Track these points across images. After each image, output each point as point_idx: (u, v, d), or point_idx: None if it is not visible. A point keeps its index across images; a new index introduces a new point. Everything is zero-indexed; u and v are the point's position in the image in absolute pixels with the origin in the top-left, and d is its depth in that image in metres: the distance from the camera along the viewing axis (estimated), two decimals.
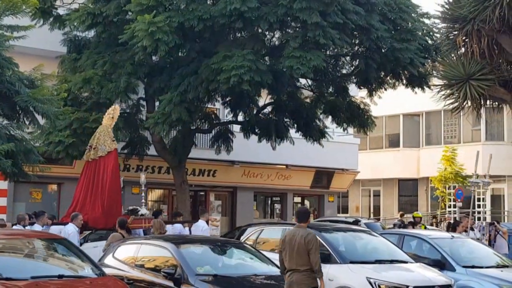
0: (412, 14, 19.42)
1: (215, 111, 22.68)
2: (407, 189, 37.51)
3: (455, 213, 24.95)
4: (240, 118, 21.66)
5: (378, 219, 32.48)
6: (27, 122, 14.96)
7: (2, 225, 14.13)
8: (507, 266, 12.97)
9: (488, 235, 17.64)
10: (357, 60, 19.90)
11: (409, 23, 19.13)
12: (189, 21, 16.60)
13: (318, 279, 9.11)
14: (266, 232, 13.86)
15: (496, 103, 16.23)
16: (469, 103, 15.36)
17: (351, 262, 11.42)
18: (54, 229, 14.37)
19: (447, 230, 17.81)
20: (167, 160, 20.93)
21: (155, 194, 25.42)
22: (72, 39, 20.19)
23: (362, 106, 21.94)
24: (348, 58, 20.72)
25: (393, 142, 37.48)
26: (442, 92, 15.66)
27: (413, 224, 20.61)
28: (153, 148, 20.74)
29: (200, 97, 17.90)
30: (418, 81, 20.14)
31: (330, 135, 23.57)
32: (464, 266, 12.49)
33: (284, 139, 21.66)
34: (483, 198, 30.82)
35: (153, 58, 18.83)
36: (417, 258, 12.54)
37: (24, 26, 14.67)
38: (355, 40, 18.93)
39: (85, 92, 18.77)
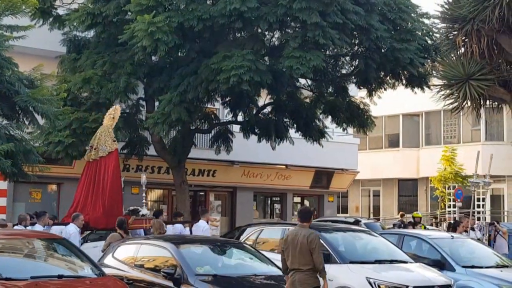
0: (412, 14, 19.42)
1: (215, 111, 22.68)
2: (407, 189, 37.52)
3: (455, 213, 24.96)
4: (240, 118, 21.66)
5: (378, 219, 32.48)
6: (26, 122, 14.96)
7: (3, 225, 14.13)
8: (506, 266, 12.97)
9: (487, 235, 17.65)
10: (357, 60, 19.91)
11: (409, 23, 19.14)
12: (188, 21, 16.60)
13: (321, 278, 9.14)
14: (266, 232, 13.86)
15: (496, 103, 16.23)
16: (469, 103, 15.36)
17: (351, 262, 11.42)
18: (55, 229, 14.37)
19: (448, 230, 17.80)
20: (166, 160, 20.93)
21: (154, 194, 25.41)
22: (71, 39, 20.20)
23: (361, 106, 21.94)
24: (347, 58, 20.72)
25: (393, 142, 37.48)
26: (442, 92, 15.66)
27: (413, 224, 20.61)
28: (153, 148, 20.74)
29: (200, 97, 17.90)
30: (417, 81, 20.14)
31: (330, 135, 23.56)
32: (463, 266, 12.49)
33: (284, 139, 21.66)
34: (483, 198, 30.82)
35: (153, 58, 18.84)
36: (416, 258, 12.54)
37: (24, 26, 14.66)
38: (355, 40, 18.93)
39: (84, 92, 18.77)
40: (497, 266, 12.95)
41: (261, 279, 10.14)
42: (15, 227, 14.18)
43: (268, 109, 21.63)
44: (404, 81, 20.51)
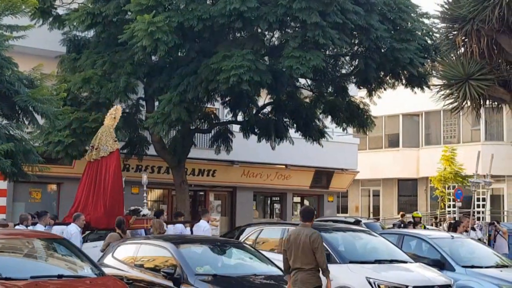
0: (412, 14, 19.42)
1: (215, 111, 22.67)
2: (407, 189, 37.52)
3: (455, 213, 24.95)
4: (240, 118, 21.66)
5: (378, 219, 32.50)
6: (26, 122, 14.95)
7: (4, 225, 14.13)
8: (506, 266, 12.97)
9: (487, 235, 17.64)
10: (357, 60, 19.91)
11: (409, 23, 19.14)
12: (188, 21, 16.59)
13: (325, 277, 9.18)
14: (266, 232, 13.85)
15: (496, 103, 16.23)
16: (469, 103, 15.37)
17: (351, 262, 11.42)
18: (56, 229, 14.37)
19: (448, 230, 17.79)
20: (166, 160, 20.93)
21: (154, 194, 25.41)
22: (71, 39, 20.19)
23: (361, 106, 21.94)
24: (347, 58, 20.72)
25: (393, 142, 37.49)
26: (442, 92, 15.66)
27: (414, 224, 20.61)
28: (153, 148, 20.74)
29: (200, 97, 17.90)
30: (417, 81, 20.14)
31: (330, 135, 23.56)
32: (463, 266, 12.49)
33: (284, 139, 21.66)
34: (483, 198, 30.82)
35: (153, 58, 18.83)
36: (416, 258, 12.54)
37: (24, 26, 14.66)
38: (355, 40, 18.93)
39: (84, 92, 18.77)
40: (497, 266, 12.95)
41: (261, 279, 10.14)
42: (17, 227, 14.18)
43: (268, 109, 21.63)
44: (404, 81, 20.51)
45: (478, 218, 25.07)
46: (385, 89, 21.53)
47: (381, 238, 13.01)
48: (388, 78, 20.76)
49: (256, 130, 21.30)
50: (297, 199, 29.96)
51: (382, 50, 18.78)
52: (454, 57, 15.62)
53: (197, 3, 16.76)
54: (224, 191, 27.25)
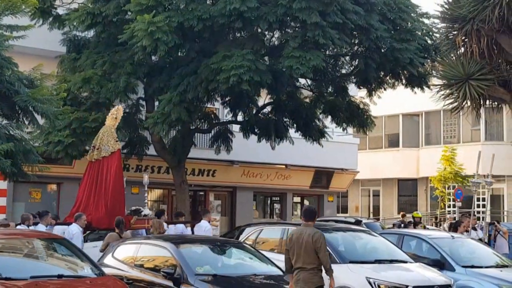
0: (412, 14, 19.42)
1: (215, 111, 22.67)
2: (407, 189, 37.52)
3: (455, 213, 24.94)
4: (240, 118, 21.66)
5: (378, 219, 32.50)
6: (26, 122, 14.95)
7: (5, 224, 14.14)
8: (506, 266, 12.96)
9: (487, 235, 17.62)
10: (357, 60, 19.90)
11: (409, 23, 19.14)
12: (188, 21, 16.59)
13: (329, 276, 9.23)
14: (266, 232, 13.84)
15: (496, 103, 16.23)
16: (469, 103, 15.37)
17: (351, 262, 11.42)
18: (58, 229, 14.38)
19: (449, 230, 17.78)
20: (166, 160, 20.93)
21: (154, 194, 25.41)
22: (71, 39, 20.19)
23: (361, 106, 21.94)
24: (347, 58, 20.72)
25: (393, 142, 37.49)
26: (442, 92, 15.66)
27: (414, 224, 20.61)
28: (153, 148, 20.74)
29: (200, 97, 17.90)
30: (417, 81, 20.14)
31: (330, 135, 23.56)
32: (463, 266, 12.48)
33: (284, 139, 21.66)
34: (483, 198, 30.82)
35: (153, 58, 18.83)
36: (416, 258, 12.54)
37: (24, 26, 14.66)
38: (355, 40, 18.93)
39: (84, 92, 18.77)
40: (497, 266, 12.95)
41: (260, 279, 10.14)
42: (18, 226, 14.18)
43: (268, 109, 21.63)
44: (404, 81, 20.51)
45: (479, 218, 25.04)
46: (385, 89, 21.53)
47: (381, 238, 13.01)
48: (388, 78, 20.76)
49: (256, 130, 21.30)
50: (297, 199, 29.97)
51: (382, 50, 18.78)
52: (454, 57, 15.62)
53: (197, 3, 16.76)
54: (224, 191, 27.25)
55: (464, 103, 15.33)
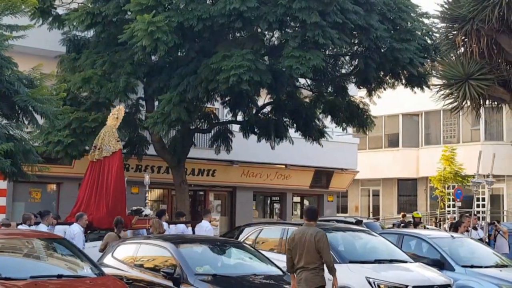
0: (412, 14, 19.42)
1: (214, 111, 22.67)
2: (406, 188, 37.52)
3: (454, 213, 24.94)
4: (240, 117, 21.66)
5: (378, 219, 32.50)
6: (26, 122, 14.94)
7: (7, 224, 14.15)
8: (506, 266, 12.96)
9: (487, 234, 17.60)
10: (357, 59, 19.91)
11: (409, 23, 19.14)
12: (188, 20, 16.59)
13: (332, 275, 9.26)
14: (265, 232, 13.84)
15: (495, 102, 16.22)
16: (468, 102, 15.36)
17: (350, 262, 11.41)
18: (59, 229, 14.39)
19: (449, 231, 17.76)
20: (166, 160, 20.93)
21: (154, 194, 25.40)
22: (71, 39, 20.20)
23: (361, 105, 21.94)
24: (347, 57, 20.72)
25: (392, 142, 37.49)
26: (441, 92, 15.65)
27: (415, 225, 20.60)
28: (152, 148, 20.74)
29: (199, 97, 17.90)
30: (417, 81, 20.14)
31: (330, 134, 23.56)
32: (463, 266, 12.48)
33: (284, 138, 21.66)
34: (482, 198, 30.82)
35: (153, 57, 18.83)
36: (416, 258, 12.54)
37: (23, 26, 14.65)
38: (355, 40, 18.92)
39: (84, 91, 18.78)
40: (497, 266, 12.94)
41: (260, 279, 10.13)
42: (19, 226, 14.18)
43: (268, 108, 21.63)
44: (403, 81, 20.51)
45: (478, 218, 25.04)
46: (385, 89, 21.53)
47: (380, 238, 13.01)
48: (388, 78, 20.76)
49: (256, 130, 21.30)
50: (297, 199, 29.97)
51: (382, 50, 18.78)
52: (454, 57, 15.61)
53: (197, 3, 16.76)
54: (224, 191, 27.26)
55: (464, 103, 15.32)
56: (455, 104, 15.47)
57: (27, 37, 14.81)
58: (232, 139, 22.25)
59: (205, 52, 17.69)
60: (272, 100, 21.19)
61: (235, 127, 22.58)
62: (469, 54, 14.86)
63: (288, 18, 16.95)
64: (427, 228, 22.29)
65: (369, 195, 38.60)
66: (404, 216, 23.78)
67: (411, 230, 16.16)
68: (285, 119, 21.55)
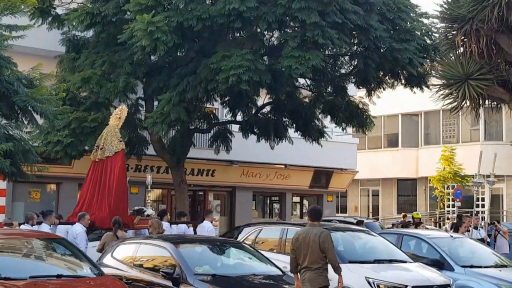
0: (411, 14, 19.44)
1: (214, 111, 22.69)
2: (406, 188, 37.53)
3: (454, 213, 24.94)
4: (239, 118, 21.66)
5: (377, 219, 32.51)
6: (25, 122, 14.91)
7: (9, 224, 14.16)
8: (505, 266, 12.96)
9: (487, 234, 17.59)
10: (356, 60, 19.92)
11: (408, 23, 19.15)
12: (188, 20, 16.60)
13: (337, 275, 9.35)
14: (265, 232, 13.83)
15: (495, 102, 16.23)
16: (468, 102, 15.36)
17: (350, 262, 11.40)
18: (61, 229, 14.38)
19: (451, 231, 17.74)
20: (165, 160, 20.93)
21: (154, 194, 25.37)
22: (70, 39, 20.20)
23: (360, 105, 21.95)
24: (347, 57, 20.72)
25: (392, 142, 37.50)
26: (441, 92, 15.65)
27: (416, 225, 20.59)
28: (152, 148, 20.73)
29: (199, 97, 17.90)
30: (416, 81, 20.15)
31: (329, 134, 23.57)
32: (463, 266, 12.48)
33: (283, 138, 21.67)
34: (482, 198, 30.83)
35: (152, 57, 18.84)
36: (416, 258, 12.54)
37: (23, 26, 14.62)
38: (354, 40, 18.94)
39: (83, 91, 18.78)
40: (496, 266, 12.94)
41: (260, 279, 10.12)
42: (22, 226, 14.19)
43: (267, 108, 21.63)
44: (403, 81, 20.52)
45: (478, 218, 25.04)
46: (384, 89, 21.55)
47: (380, 238, 13.00)
48: (387, 78, 20.77)
49: (255, 130, 21.30)
50: (296, 199, 29.99)
51: (382, 50, 18.79)
52: (453, 57, 15.61)
53: (196, 3, 16.76)
54: (223, 191, 27.26)
55: (463, 103, 15.32)
56: (455, 104, 15.47)
57: (27, 37, 14.78)
58: (232, 139, 22.26)
59: (205, 52, 17.70)
60: (271, 100, 21.20)
61: (235, 127, 22.58)
62: (468, 54, 14.86)
63: (287, 18, 16.95)
64: (427, 229, 22.27)
65: (368, 195, 38.60)
66: (404, 216, 23.78)
67: (410, 230, 16.15)
68: (284, 119, 21.56)
